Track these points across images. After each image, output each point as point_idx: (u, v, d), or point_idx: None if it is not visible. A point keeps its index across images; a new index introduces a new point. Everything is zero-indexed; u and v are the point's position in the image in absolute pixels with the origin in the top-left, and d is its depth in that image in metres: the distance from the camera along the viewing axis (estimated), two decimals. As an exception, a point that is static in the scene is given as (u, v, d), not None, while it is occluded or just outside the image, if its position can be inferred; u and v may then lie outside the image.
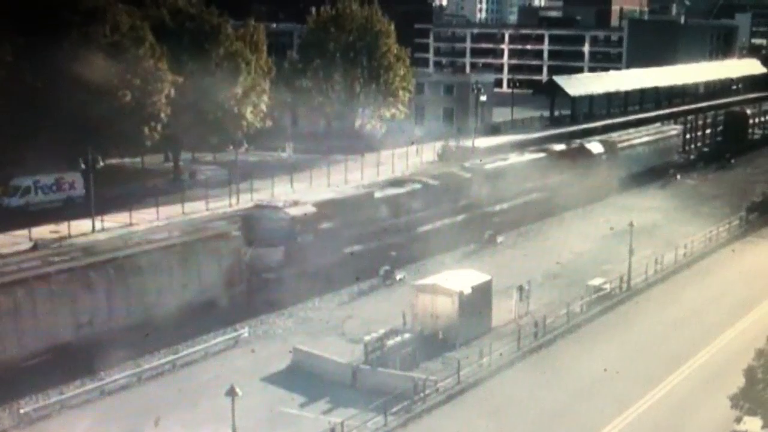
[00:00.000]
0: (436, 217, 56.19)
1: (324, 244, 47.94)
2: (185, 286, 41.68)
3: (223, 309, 42.95)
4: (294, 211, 47.75)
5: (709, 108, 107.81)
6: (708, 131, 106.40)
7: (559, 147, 71.39)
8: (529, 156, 68.03)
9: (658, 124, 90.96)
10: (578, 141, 75.28)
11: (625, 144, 78.15)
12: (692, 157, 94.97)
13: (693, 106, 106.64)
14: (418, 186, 56.67)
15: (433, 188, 57.10)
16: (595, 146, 73.33)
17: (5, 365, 34.74)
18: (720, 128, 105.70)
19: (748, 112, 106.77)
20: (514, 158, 66.80)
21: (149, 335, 38.53)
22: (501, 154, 67.99)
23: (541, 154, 68.54)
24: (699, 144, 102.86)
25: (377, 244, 51.41)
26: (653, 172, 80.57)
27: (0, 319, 35.18)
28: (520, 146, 74.11)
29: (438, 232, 55.59)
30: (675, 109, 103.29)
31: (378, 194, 53.89)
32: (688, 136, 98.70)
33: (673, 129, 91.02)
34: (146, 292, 40.18)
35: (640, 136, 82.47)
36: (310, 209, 48.58)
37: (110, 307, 38.67)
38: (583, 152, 71.50)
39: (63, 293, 37.01)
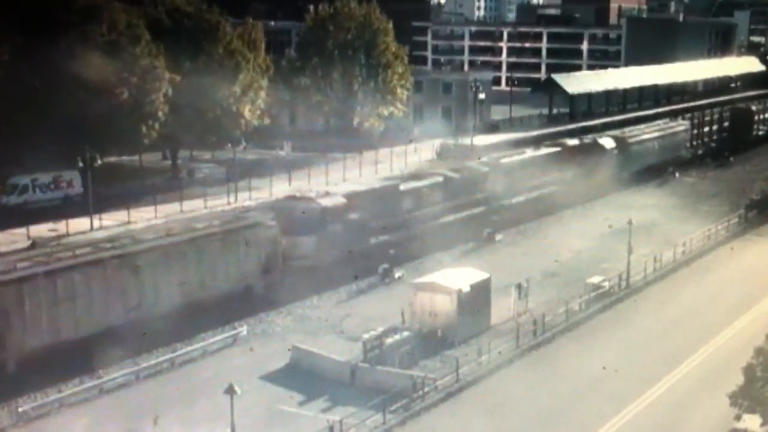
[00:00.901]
0: (457, 209, 58.20)
1: (352, 233, 49.90)
2: (226, 273, 43.63)
3: (260, 296, 44.69)
4: (325, 202, 49.80)
5: (715, 104, 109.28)
6: (714, 127, 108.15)
7: (573, 142, 73.57)
8: (544, 150, 70.08)
9: (666, 120, 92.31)
10: (591, 136, 77.34)
11: (636, 139, 79.97)
12: (699, 152, 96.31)
13: (699, 103, 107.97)
14: (439, 179, 58.65)
15: (453, 181, 59.11)
16: (607, 141, 75.60)
17: (61, 348, 36.23)
18: (726, 124, 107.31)
19: (753, 108, 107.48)
20: (530, 152, 68.89)
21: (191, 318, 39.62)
22: (517, 149, 70.48)
23: (556, 149, 70.52)
24: (706, 140, 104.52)
25: (402, 234, 53.27)
26: (662, 166, 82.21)
27: (58, 303, 36.86)
28: (533, 142, 74.84)
29: (459, 223, 57.48)
30: (682, 106, 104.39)
31: (402, 186, 55.69)
32: (695, 131, 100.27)
33: (681, 125, 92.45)
34: (189, 278, 41.91)
35: (650, 132, 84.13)
36: (340, 200, 50.64)
37: (157, 292, 40.37)
38: (596, 147, 73.81)
39: (114, 278, 38.88)
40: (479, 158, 65.39)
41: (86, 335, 37.46)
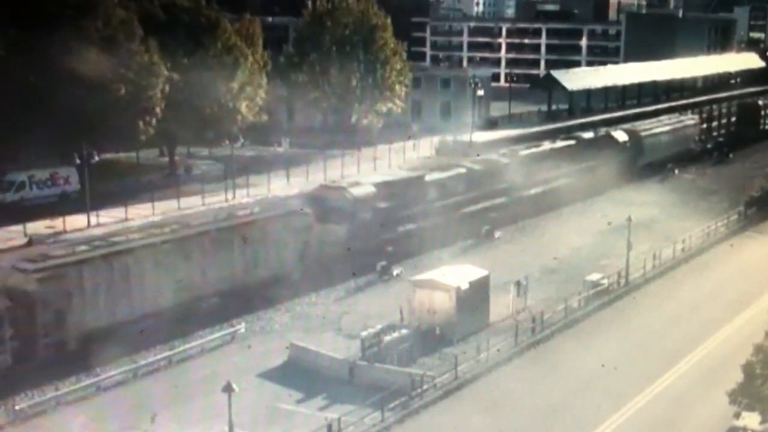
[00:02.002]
0: (478, 199, 59.87)
1: (381, 222, 51.67)
2: (266, 258, 45.35)
3: (296, 281, 45.97)
4: (356, 191, 51.53)
5: (723, 99, 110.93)
6: (723, 121, 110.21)
7: (588, 135, 75.77)
8: (560, 143, 72.13)
9: (676, 114, 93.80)
10: (605, 129, 79.19)
11: (648, 133, 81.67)
12: (708, 145, 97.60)
13: (707, 97, 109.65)
14: (462, 170, 60.27)
15: (475, 172, 60.69)
16: (620, 135, 77.69)
17: (115, 329, 37.95)
18: (733, 118, 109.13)
19: (760, 102, 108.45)
20: (547, 145, 71.09)
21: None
22: (535, 141, 72.84)
23: (571, 142, 72.68)
24: (714, 134, 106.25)
25: (427, 223, 54.49)
26: (673, 159, 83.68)
27: (113, 284, 38.56)
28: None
29: (480, 213, 59.28)
30: (690, 101, 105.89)
31: (427, 177, 57.26)
32: (704, 125, 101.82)
33: (691, 119, 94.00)
34: (233, 262, 43.64)
35: (661, 126, 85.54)
36: (370, 189, 52.33)
37: (204, 275, 42.15)
38: (610, 140, 75.99)
39: (166, 261, 40.58)
40: (499, 151, 67.50)
41: (139, 315, 39.18)
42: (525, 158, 65.76)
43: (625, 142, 77.03)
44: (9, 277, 36.32)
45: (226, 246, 43.49)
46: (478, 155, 65.38)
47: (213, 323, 41.38)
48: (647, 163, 79.58)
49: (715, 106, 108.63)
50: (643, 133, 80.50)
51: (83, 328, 37.43)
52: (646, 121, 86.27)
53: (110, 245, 39.89)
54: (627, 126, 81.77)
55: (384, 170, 60.85)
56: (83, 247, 39.36)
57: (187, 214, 49.04)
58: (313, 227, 48.25)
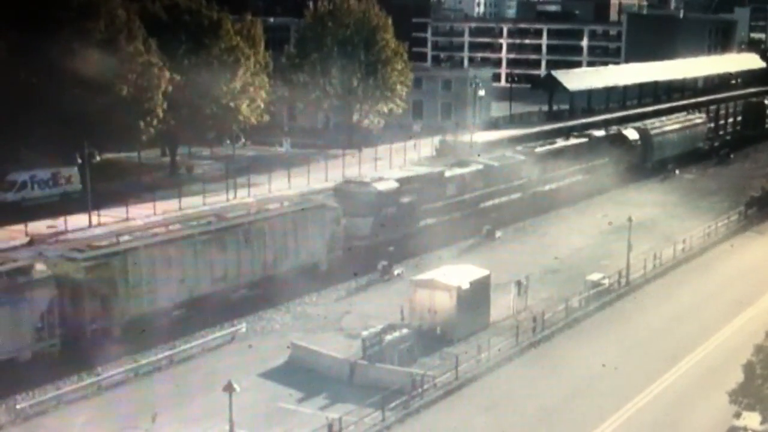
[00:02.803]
0: (496, 195, 61.58)
1: (404, 216, 53.61)
2: (296, 249, 47.19)
3: (324, 272, 48.20)
4: (380, 186, 53.09)
5: (729, 99, 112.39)
6: (730, 120, 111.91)
7: (600, 133, 77.38)
8: (573, 141, 73.60)
9: (685, 113, 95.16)
10: (616, 128, 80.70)
11: (658, 131, 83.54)
12: (716, 144, 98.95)
13: (713, 97, 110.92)
14: (480, 167, 61.54)
15: (493, 168, 61.99)
16: (631, 133, 79.50)
17: (156, 315, 39.92)
18: (739, 118, 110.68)
19: (766, 102, 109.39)
20: (561, 143, 72.50)
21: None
22: (550, 139, 74.35)
23: (584, 139, 74.09)
24: (721, 132, 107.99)
25: (447, 217, 56.57)
26: (682, 157, 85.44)
27: (155, 273, 40.16)
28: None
29: (496, 209, 61.28)
30: (696, 100, 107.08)
31: (447, 173, 58.59)
32: (711, 125, 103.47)
33: (699, 118, 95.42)
34: (266, 253, 45.38)
35: (670, 124, 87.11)
36: (394, 184, 53.80)
37: (239, 265, 43.93)
38: (621, 138, 77.86)
39: (204, 252, 42.34)
40: (516, 148, 69.24)
41: (180, 303, 41.23)
42: (540, 155, 67.29)
43: (635, 140, 78.98)
44: (58, 265, 37.53)
45: (258, 238, 45.14)
46: (478, 155, 65.43)
47: (214, 323, 41.46)
48: (658, 160, 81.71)
49: (719, 106, 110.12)
50: (653, 132, 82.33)
51: (127, 315, 39.04)
52: (656, 120, 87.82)
53: (152, 236, 41.65)
54: (638, 124, 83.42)
55: (407, 166, 62.82)
56: (126, 237, 40.91)
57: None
58: (340, 220, 49.94)
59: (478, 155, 65.86)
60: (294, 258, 46.99)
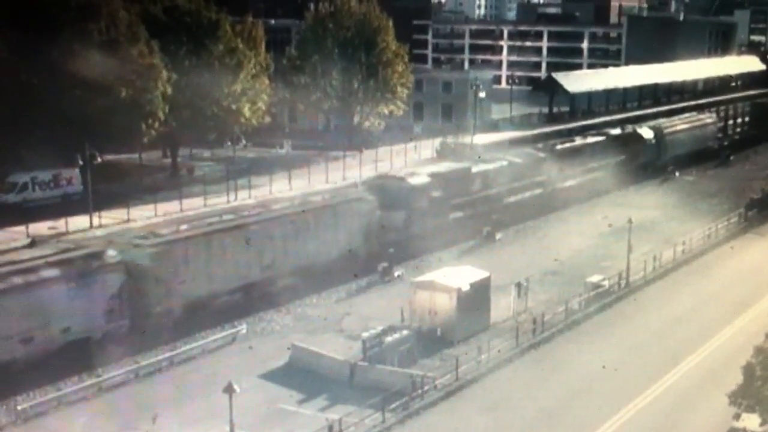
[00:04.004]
0: (518, 190, 63.87)
1: (434, 209, 55.64)
2: (337, 239, 49.35)
3: (362, 261, 50.11)
4: (413, 181, 55.62)
5: (737, 99, 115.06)
6: (739, 120, 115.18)
7: (616, 131, 79.89)
8: (591, 139, 76.40)
9: (695, 113, 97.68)
10: (631, 126, 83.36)
11: (671, 130, 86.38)
12: (725, 143, 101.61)
13: (724, 97, 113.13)
14: (504, 163, 63.94)
15: (516, 165, 64.27)
16: (645, 131, 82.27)
17: (210, 300, 42.30)
18: (747, 118, 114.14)
19: None
20: (579, 141, 75.37)
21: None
22: (569, 137, 77.15)
23: (601, 138, 76.79)
24: (730, 132, 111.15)
25: (473, 211, 58.97)
26: (693, 155, 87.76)
27: (212, 259, 42.59)
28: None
29: (519, 204, 63.34)
30: (707, 100, 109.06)
31: (474, 169, 60.86)
32: (720, 125, 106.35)
33: (709, 117, 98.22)
34: (310, 242, 47.57)
35: (682, 124, 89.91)
36: (426, 179, 56.23)
37: (285, 253, 46.17)
38: (636, 137, 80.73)
39: (255, 241, 44.62)
40: (536, 146, 71.48)
41: (233, 288, 43.62)
42: (560, 152, 69.55)
43: (650, 139, 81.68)
44: (126, 251, 39.74)
45: (302, 228, 47.53)
46: (479, 157, 65.55)
47: (215, 324, 41.51)
48: (671, 158, 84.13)
49: (727, 107, 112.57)
50: (666, 131, 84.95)
51: (187, 299, 41.23)
52: (669, 119, 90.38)
53: (208, 225, 44.24)
54: (651, 123, 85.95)
55: (436, 163, 64.68)
56: (185, 226, 43.40)
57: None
58: (376, 213, 52.30)
59: (479, 157, 65.94)
60: (334, 248, 48.92)
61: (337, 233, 49.50)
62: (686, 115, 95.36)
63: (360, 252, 50.62)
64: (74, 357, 36.30)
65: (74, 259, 38.16)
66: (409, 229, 53.89)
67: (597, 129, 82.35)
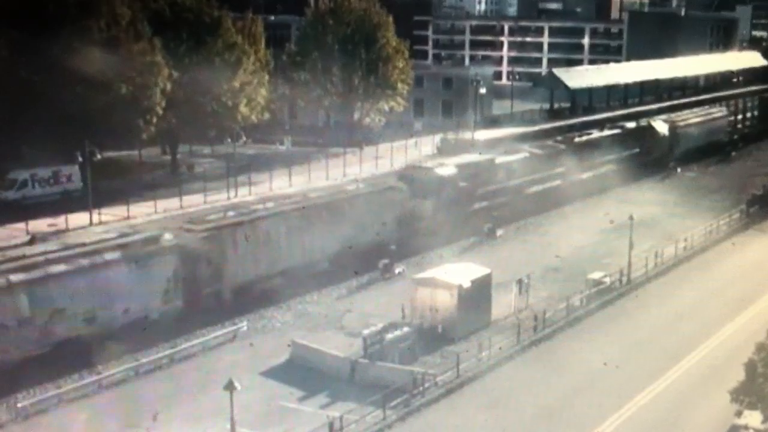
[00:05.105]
0: (539, 181, 65.90)
1: (461, 198, 58.05)
2: (370, 227, 51.38)
3: (394, 248, 51.48)
4: (441, 171, 57.88)
5: (747, 94, 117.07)
6: (748, 114, 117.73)
7: (631, 125, 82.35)
8: (607, 132, 78.89)
9: (707, 107, 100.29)
10: (646, 120, 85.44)
11: (684, 124, 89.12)
12: (735, 136, 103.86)
13: (734, 92, 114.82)
14: (526, 155, 66.00)
15: (537, 156, 66.52)
16: (660, 125, 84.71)
17: (254, 283, 44.60)
18: (756, 113, 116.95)
19: None
20: (597, 134, 77.75)
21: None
22: (587, 130, 78.92)
23: (618, 131, 79.47)
24: (740, 126, 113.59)
25: (497, 201, 61.33)
26: (705, 148, 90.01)
27: (257, 245, 44.94)
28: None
29: (540, 194, 65.24)
30: (717, 94, 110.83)
31: (497, 160, 63.08)
32: (731, 118, 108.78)
33: (720, 111, 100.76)
34: (346, 229, 49.36)
35: (695, 117, 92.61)
36: (453, 170, 58.41)
37: (323, 240, 48.18)
38: (651, 130, 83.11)
39: (295, 227, 47.00)
40: (556, 138, 73.97)
41: (275, 272, 45.74)
42: (578, 145, 72.02)
43: (664, 132, 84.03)
44: (179, 236, 41.95)
45: (338, 215, 49.54)
46: (479, 153, 65.49)
47: (215, 321, 41.45)
48: (685, 150, 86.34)
49: (737, 101, 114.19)
50: (679, 124, 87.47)
51: (234, 281, 43.70)
52: (682, 113, 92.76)
53: (253, 212, 46.56)
54: (664, 117, 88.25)
55: (462, 155, 65.82)
56: (232, 213, 45.97)
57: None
58: (407, 201, 54.58)
59: (480, 153, 65.85)
60: (369, 234, 50.96)
61: (373, 221, 51.54)
62: (697, 109, 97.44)
63: (392, 239, 52.40)
64: (133, 336, 37.99)
65: (134, 242, 40.39)
66: (436, 218, 55.71)
67: (598, 125, 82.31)
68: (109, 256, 38.71)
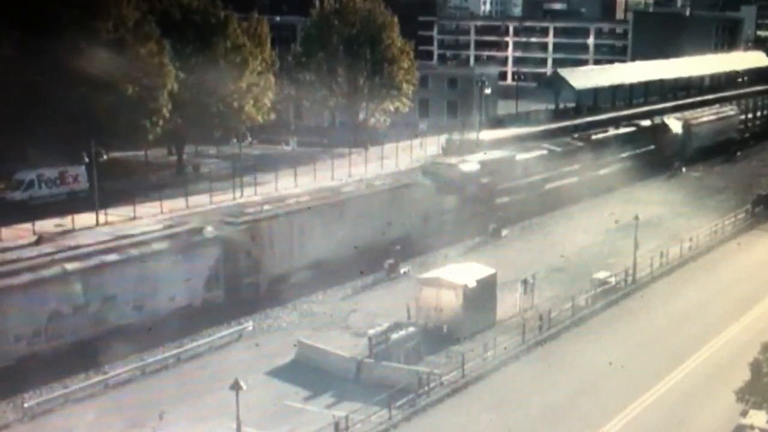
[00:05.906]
0: (556, 177, 67.37)
1: (483, 194, 59.83)
2: (398, 220, 53.69)
3: (419, 241, 53.84)
4: (464, 168, 59.57)
5: (757, 93, 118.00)
6: (758, 113, 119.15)
7: (646, 123, 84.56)
8: (623, 130, 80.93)
9: (719, 106, 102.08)
10: (660, 118, 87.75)
11: (697, 122, 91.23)
12: (746, 134, 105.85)
13: (742, 91, 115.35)
14: (545, 152, 67.62)
15: (556, 153, 68.13)
16: (674, 123, 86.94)
17: (289, 275, 46.41)
18: (766, 111, 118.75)
19: None
20: (612, 131, 79.60)
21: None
22: (602, 128, 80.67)
23: (632, 128, 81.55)
24: (750, 124, 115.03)
25: (517, 197, 63.06)
26: (717, 145, 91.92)
27: (292, 237, 46.65)
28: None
29: (560, 190, 66.73)
30: (725, 94, 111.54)
31: (518, 157, 64.59)
32: (742, 116, 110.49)
33: (731, 109, 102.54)
34: (366, 224, 51.01)
35: (708, 115, 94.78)
36: (476, 166, 60.20)
37: (344, 235, 49.47)
38: (665, 128, 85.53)
39: (319, 222, 48.44)
40: (573, 135, 75.71)
41: (307, 264, 47.28)
42: (595, 142, 73.57)
43: (677, 130, 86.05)
44: (220, 229, 43.64)
45: (366, 209, 51.43)
46: (484, 153, 65.51)
47: (221, 321, 41.56)
48: (698, 147, 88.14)
49: (747, 100, 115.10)
50: (692, 122, 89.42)
51: (272, 273, 45.52)
52: (694, 111, 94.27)
53: (287, 206, 48.26)
54: (678, 115, 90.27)
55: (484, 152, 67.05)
56: (268, 207, 47.61)
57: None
58: (432, 197, 56.21)
59: (485, 153, 65.85)
60: (396, 227, 52.91)
61: (397, 216, 53.43)
62: (709, 107, 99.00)
63: (416, 233, 54.05)
64: (178, 324, 39.55)
65: (180, 233, 42.05)
66: (460, 212, 57.63)
67: (604, 125, 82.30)
68: (157, 246, 40.29)
